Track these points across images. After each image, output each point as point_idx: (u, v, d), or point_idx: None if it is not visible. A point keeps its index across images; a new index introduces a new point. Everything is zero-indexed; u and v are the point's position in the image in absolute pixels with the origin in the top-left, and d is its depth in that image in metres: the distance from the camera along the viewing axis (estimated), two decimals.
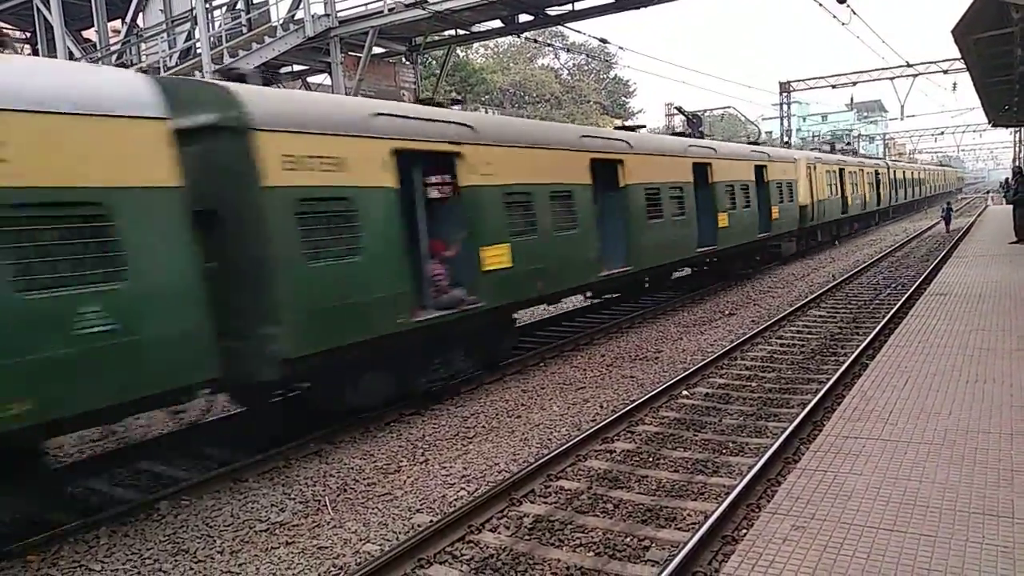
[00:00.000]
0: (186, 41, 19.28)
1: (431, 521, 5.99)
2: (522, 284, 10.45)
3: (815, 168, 26.27)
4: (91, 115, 5.74)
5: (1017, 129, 48.79)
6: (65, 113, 5.59)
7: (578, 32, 24.18)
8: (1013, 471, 5.09)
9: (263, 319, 7.05)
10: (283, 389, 8.93)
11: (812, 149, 35.03)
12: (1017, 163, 38.29)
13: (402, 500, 6.61)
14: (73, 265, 5.57)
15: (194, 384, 6.54)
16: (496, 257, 9.85)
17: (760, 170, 20.28)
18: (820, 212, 26.53)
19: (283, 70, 22.20)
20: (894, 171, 44.54)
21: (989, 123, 38.86)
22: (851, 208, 31.54)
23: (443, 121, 9.41)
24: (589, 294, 15.05)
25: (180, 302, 6.22)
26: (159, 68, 18.35)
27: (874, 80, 39.95)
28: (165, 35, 19.70)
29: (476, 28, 20.43)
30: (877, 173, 38.13)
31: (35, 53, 20.72)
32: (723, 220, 17.20)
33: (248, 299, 7.04)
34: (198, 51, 17.75)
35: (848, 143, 48.23)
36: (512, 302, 10.53)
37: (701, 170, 16.42)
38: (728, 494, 5.96)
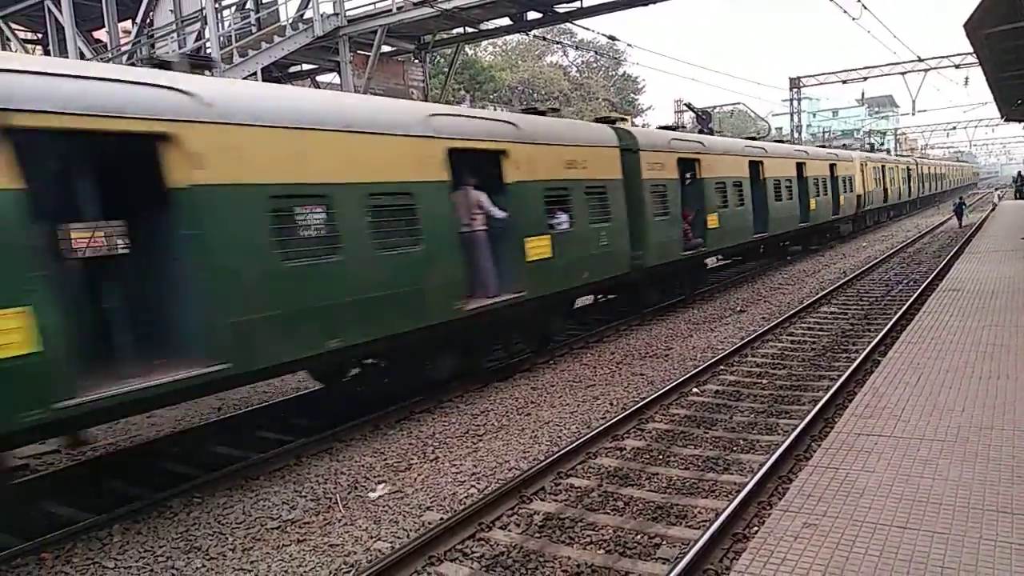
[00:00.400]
0: (196, 41, 19.36)
1: (441, 519, 6.00)
2: (722, 238, 17.08)
3: (866, 165, 32.54)
4: (605, 146, 12.72)
5: None
6: (596, 146, 12.42)
7: (587, 29, 24.21)
8: None
9: (640, 245, 13.32)
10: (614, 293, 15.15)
11: (856, 149, 39.55)
12: None
13: (412, 498, 6.62)
14: (598, 213, 12.10)
15: (622, 273, 12.89)
16: (713, 220, 16.32)
17: (832, 167, 26.78)
18: (869, 200, 33.11)
19: (292, 69, 22.29)
20: (922, 167, 51.59)
21: (1002, 118, 38.50)
22: (890, 198, 38.50)
23: (691, 140, 16.42)
24: (720, 258, 22.31)
25: (623, 234, 12.77)
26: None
27: (885, 75, 39.74)
28: (175, 35, 19.78)
29: (484, 26, 20.43)
30: (909, 169, 45.23)
31: (46, 54, 20.86)
32: (812, 204, 23.83)
33: (636, 235, 13.16)
34: (208, 51, 17.83)
35: (882, 143, 55.56)
36: (715, 249, 17.71)
37: (799, 168, 23.05)
38: (739, 491, 5.94)
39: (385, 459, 7.62)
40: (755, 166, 19.29)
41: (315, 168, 7.43)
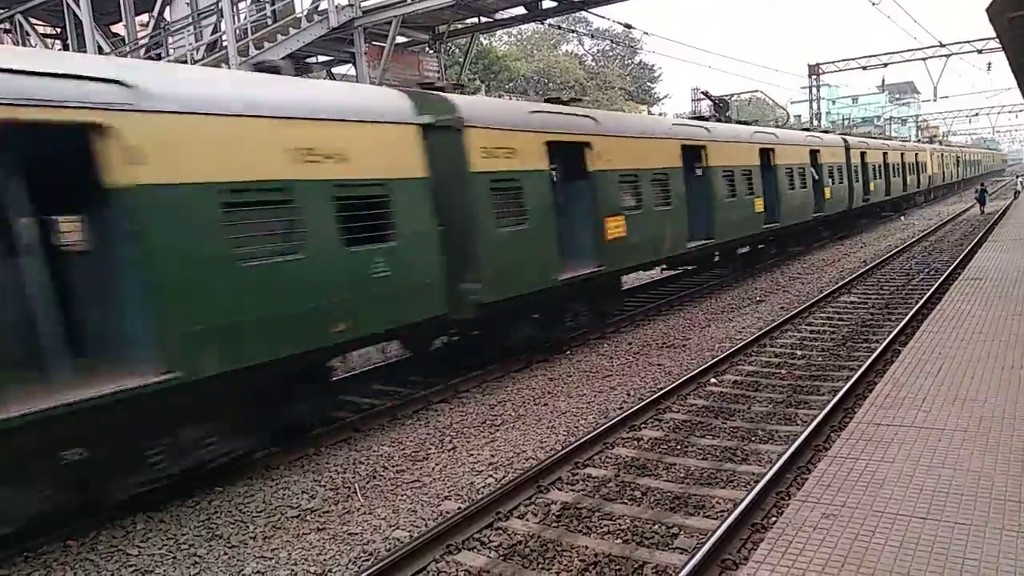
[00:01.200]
0: (212, 34, 19.45)
1: (459, 508, 6.03)
2: (876, 196, 28.95)
3: (933, 154, 45.66)
4: (840, 146, 25.12)
5: None
6: (838, 146, 24.90)
7: (602, 18, 24.07)
8: None
9: (850, 196, 25.07)
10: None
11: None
12: None
13: (430, 487, 6.67)
14: (839, 177, 24.30)
15: (845, 209, 24.90)
16: (871, 186, 28.28)
17: (917, 155, 39.00)
18: (935, 180, 46.35)
19: (308, 60, 22.32)
20: (967, 154, 67.53)
21: None
22: (946, 179, 51.81)
23: (860, 140, 28.62)
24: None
25: (846, 189, 24.86)
26: (186, 61, 18.53)
27: (906, 61, 39.10)
28: (191, 28, 19.89)
29: (499, 15, 20.32)
30: (958, 156, 60.07)
31: (65, 48, 21.04)
32: (909, 180, 35.83)
33: (849, 190, 25.16)
34: (224, 44, 17.91)
35: (935, 136, 68.69)
36: (872, 202, 28.90)
37: (902, 156, 34.92)
38: (758, 482, 5.92)
39: (403, 449, 7.67)
40: (884, 155, 31.34)
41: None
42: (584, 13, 24.48)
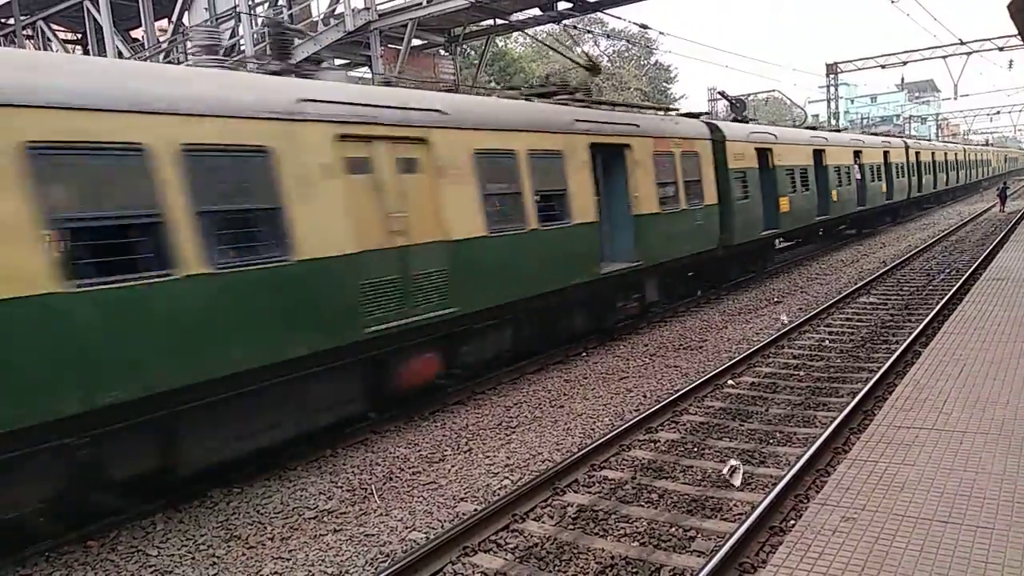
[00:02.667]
0: (231, 38, 19.61)
1: (475, 510, 6.03)
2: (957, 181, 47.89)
3: (994, 153, 67.32)
4: (955, 149, 49.41)
5: None
6: (954, 150, 47.57)
7: (618, 18, 24.02)
8: None
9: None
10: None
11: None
12: None
13: (447, 489, 6.67)
14: (948, 169, 43.96)
15: (954, 187, 46.15)
16: (955, 174, 45.70)
17: (988, 154, 64.15)
18: (994, 171, 66.59)
19: (324, 64, 22.44)
20: (1009, 154, 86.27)
21: None
22: (999, 171, 70.25)
23: (954, 145, 53.20)
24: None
25: (961, 172, 48.64)
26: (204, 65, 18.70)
27: (925, 59, 38.70)
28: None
29: (514, 17, 20.34)
30: (1006, 155, 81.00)
31: (86, 53, 21.32)
32: (979, 171, 56.85)
33: (954, 177, 46.61)
34: (242, 48, 18.07)
35: (988, 141, 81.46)
36: (954, 187, 46.28)
37: (977, 154, 58.15)
38: (776, 484, 5.88)
39: (419, 450, 7.69)
40: (975, 154, 50.14)
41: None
42: (599, 14, 24.42)
